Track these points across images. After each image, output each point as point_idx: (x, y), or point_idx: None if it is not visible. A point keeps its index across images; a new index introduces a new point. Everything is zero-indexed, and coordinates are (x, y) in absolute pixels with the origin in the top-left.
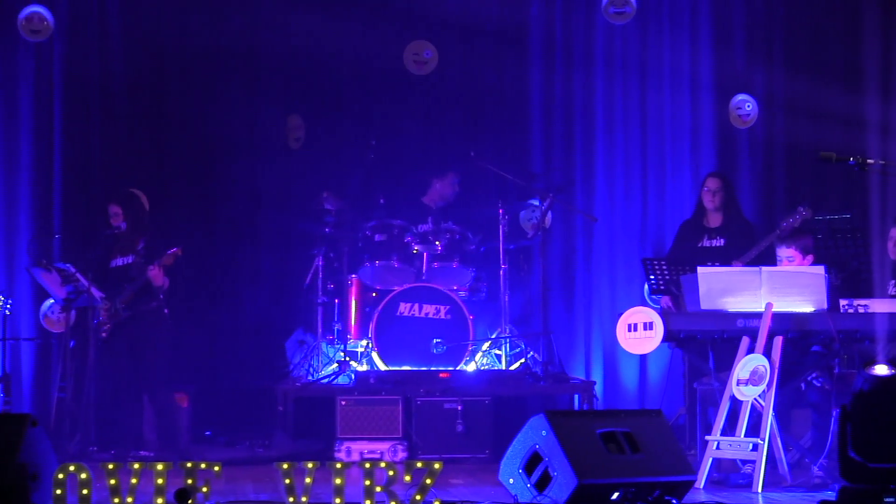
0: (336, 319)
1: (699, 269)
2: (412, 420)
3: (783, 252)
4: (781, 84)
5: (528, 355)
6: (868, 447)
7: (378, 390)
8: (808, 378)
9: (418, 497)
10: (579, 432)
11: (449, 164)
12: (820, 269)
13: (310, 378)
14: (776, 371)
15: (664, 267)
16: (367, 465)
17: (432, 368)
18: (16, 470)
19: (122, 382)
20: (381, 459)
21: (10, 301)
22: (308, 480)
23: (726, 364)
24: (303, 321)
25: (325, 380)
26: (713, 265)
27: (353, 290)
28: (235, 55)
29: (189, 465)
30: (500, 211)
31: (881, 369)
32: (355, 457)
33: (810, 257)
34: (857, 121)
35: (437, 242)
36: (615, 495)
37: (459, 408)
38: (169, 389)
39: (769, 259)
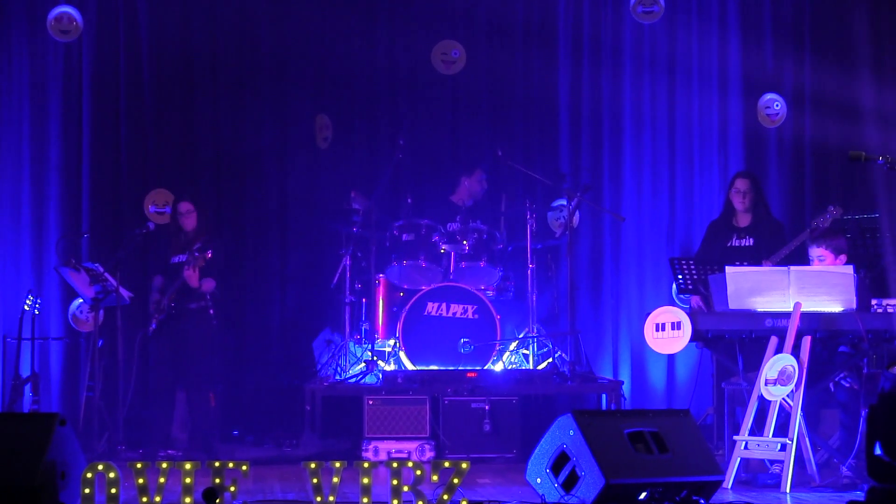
0: (363, 319)
1: (727, 268)
2: (439, 419)
3: (814, 252)
4: (810, 83)
5: (556, 355)
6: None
7: (405, 390)
8: (837, 378)
9: (445, 497)
10: (607, 432)
11: (476, 161)
12: (849, 269)
13: (337, 377)
14: (804, 371)
15: (692, 266)
16: (395, 465)
17: (459, 368)
18: (44, 469)
19: (159, 380)
20: (408, 459)
21: (38, 300)
22: (335, 480)
23: (754, 364)
24: (330, 321)
25: (353, 379)
26: (742, 265)
27: (381, 289)
28: (263, 55)
29: (217, 464)
30: (528, 210)
31: None
32: (382, 456)
33: (843, 257)
34: (886, 120)
35: (464, 242)
36: (642, 495)
37: (487, 407)
38: (204, 389)
39: (801, 258)
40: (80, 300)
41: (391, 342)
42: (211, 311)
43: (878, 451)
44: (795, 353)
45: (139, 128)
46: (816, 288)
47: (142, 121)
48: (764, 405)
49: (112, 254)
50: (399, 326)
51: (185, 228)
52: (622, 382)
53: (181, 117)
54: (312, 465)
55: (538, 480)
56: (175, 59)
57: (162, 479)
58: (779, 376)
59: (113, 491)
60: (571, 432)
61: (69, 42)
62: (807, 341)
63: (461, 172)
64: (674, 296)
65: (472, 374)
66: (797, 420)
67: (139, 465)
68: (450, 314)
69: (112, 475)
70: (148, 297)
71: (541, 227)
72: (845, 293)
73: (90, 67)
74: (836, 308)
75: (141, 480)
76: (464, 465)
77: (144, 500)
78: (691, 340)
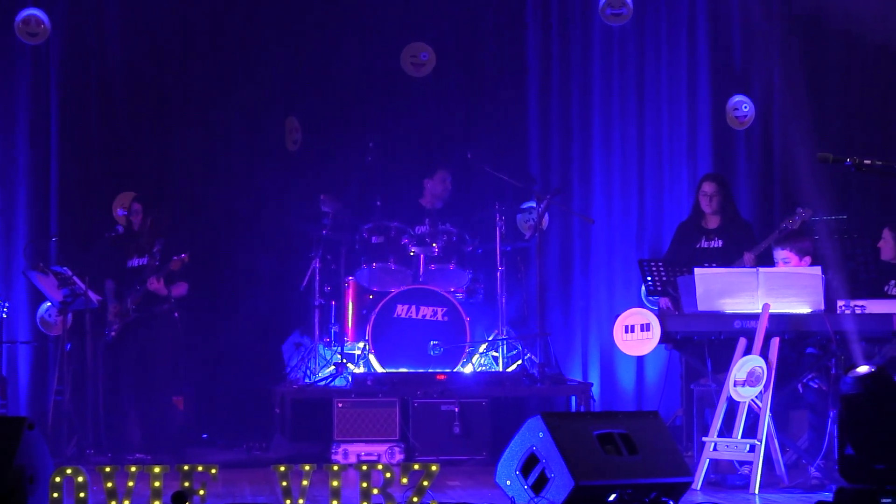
0: (333, 322)
1: (696, 270)
2: (409, 422)
3: (779, 254)
4: (778, 85)
5: (525, 357)
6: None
7: (375, 392)
8: (805, 379)
9: (415, 499)
10: (576, 434)
11: (438, 163)
12: (817, 271)
13: (307, 380)
14: (773, 372)
15: (661, 268)
16: (364, 468)
17: (429, 370)
18: (12, 473)
19: (126, 384)
20: (377, 461)
21: (6, 304)
22: (305, 483)
23: (723, 365)
24: (299, 323)
25: (322, 382)
26: (711, 266)
27: (350, 292)
28: (233, 58)
29: (186, 467)
30: (497, 212)
31: (862, 369)
32: (352, 459)
33: (808, 259)
34: (854, 122)
35: (433, 244)
36: (612, 497)
37: (456, 409)
38: (168, 392)
39: (767, 261)
40: (49, 304)
41: (361, 345)
42: (176, 315)
43: (850, 449)
44: (764, 354)
45: (108, 131)
46: (785, 289)
47: (111, 123)
48: (733, 406)
49: (81, 257)
50: (368, 329)
51: (134, 228)
52: (591, 384)
53: (151, 120)
54: (282, 469)
55: (508, 482)
56: (144, 61)
57: (131, 483)
58: (747, 377)
59: (81, 495)
60: (541, 434)
61: (37, 44)
62: (775, 343)
63: (423, 175)
64: (643, 298)
65: (442, 377)
66: (766, 421)
67: (108, 469)
68: (419, 316)
69: (80, 479)
70: (104, 302)
71: (510, 229)
72: (813, 294)
73: (58, 70)
74: (805, 309)
75: (109, 484)
76: (433, 468)
77: (113, 503)
78: (660, 342)
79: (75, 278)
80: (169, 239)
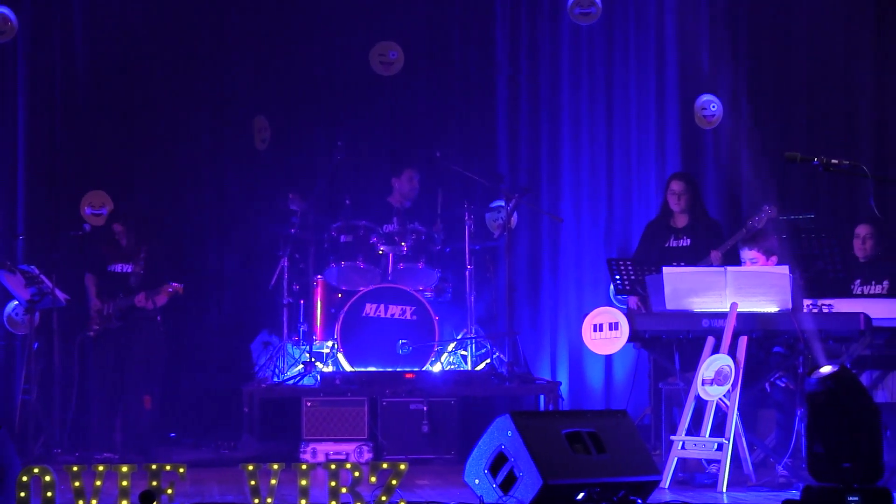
0: (301, 321)
1: (664, 269)
2: (378, 421)
3: (746, 254)
4: (745, 85)
5: (494, 356)
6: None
7: (343, 391)
8: (773, 378)
9: (383, 498)
10: (544, 433)
11: (405, 162)
12: (784, 270)
13: (275, 379)
14: (741, 371)
15: (629, 267)
16: (333, 467)
17: (398, 369)
18: None
19: (102, 385)
20: (346, 460)
21: None
22: (273, 482)
23: (691, 364)
24: (268, 322)
25: (291, 381)
26: (680, 265)
27: (319, 291)
28: (201, 56)
29: (154, 467)
30: (466, 211)
31: (825, 369)
32: (321, 458)
33: (774, 258)
34: (820, 121)
35: (402, 243)
36: (580, 495)
37: (425, 408)
38: (139, 392)
39: (734, 260)
40: (16, 302)
41: (329, 344)
42: (159, 318)
43: (818, 448)
44: (732, 353)
45: (75, 129)
46: (753, 288)
47: (78, 122)
48: (701, 405)
49: (48, 256)
50: (337, 328)
51: (121, 244)
52: (560, 383)
53: (118, 118)
54: (250, 468)
55: (476, 481)
56: (112, 59)
57: (98, 483)
58: (715, 376)
59: (49, 494)
60: (509, 433)
61: (3, 42)
62: (743, 341)
63: (391, 174)
64: (611, 297)
65: (411, 376)
66: (733, 420)
67: (75, 469)
68: (388, 315)
69: (48, 479)
70: (84, 299)
71: (479, 228)
72: (781, 294)
73: (25, 68)
74: (772, 308)
75: (77, 484)
76: (402, 467)
77: (81, 503)
78: (629, 341)
79: (42, 277)
80: (153, 246)
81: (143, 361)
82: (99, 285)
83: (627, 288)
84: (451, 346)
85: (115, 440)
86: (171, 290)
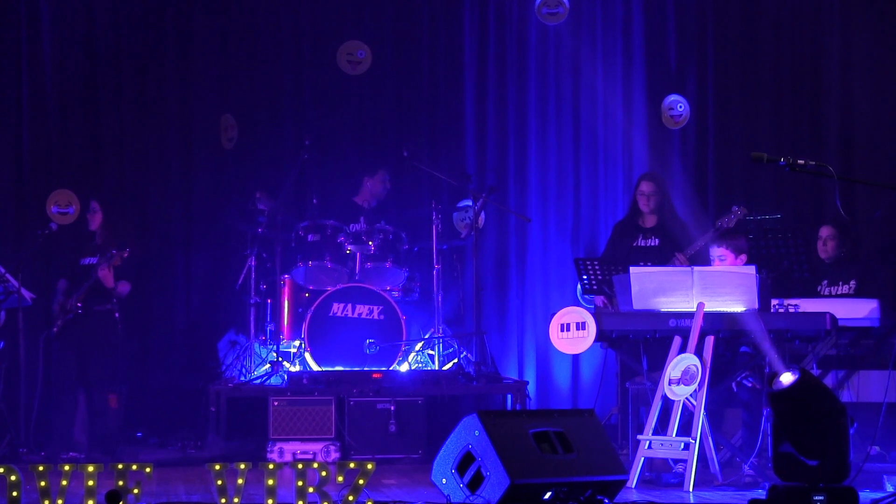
0: (268, 320)
1: (631, 268)
2: (345, 420)
3: (715, 252)
4: (713, 84)
5: (461, 355)
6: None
7: (311, 391)
8: (739, 378)
9: (350, 497)
10: (512, 432)
11: (379, 162)
12: (751, 269)
13: (242, 379)
14: (707, 370)
15: (597, 267)
16: (300, 466)
17: (365, 369)
18: None
19: (62, 382)
20: (313, 460)
21: None
22: (240, 481)
23: (658, 364)
24: (235, 322)
25: (258, 380)
26: (648, 265)
27: (286, 290)
28: (168, 54)
29: (120, 466)
30: (434, 211)
31: (786, 378)
32: (288, 457)
33: (743, 257)
34: (787, 122)
35: (370, 242)
36: (547, 495)
37: (392, 408)
38: (103, 390)
39: (703, 258)
40: None
41: (296, 343)
42: (117, 315)
43: (784, 448)
44: (699, 352)
45: (41, 127)
46: (720, 288)
47: (44, 120)
48: (667, 405)
49: (13, 254)
50: (304, 327)
51: (91, 227)
52: (527, 382)
53: (84, 117)
54: (217, 467)
55: (444, 481)
56: (78, 57)
57: (64, 482)
58: (682, 376)
59: (14, 494)
60: (477, 433)
61: None
62: (710, 341)
63: (365, 172)
64: (579, 296)
65: (378, 375)
66: (700, 419)
67: (41, 468)
68: (355, 315)
69: (14, 478)
70: (51, 299)
71: (446, 227)
72: (748, 293)
73: None
74: (739, 308)
75: (43, 483)
76: (369, 466)
77: (47, 503)
78: (596, 340)
79: (8, 276)
80: (123, 235)
81: (103, 357)
82: (70, 284)
83: (595, 287)
84: (418, 346)
85: (75, 437)
86: (117, 256)
